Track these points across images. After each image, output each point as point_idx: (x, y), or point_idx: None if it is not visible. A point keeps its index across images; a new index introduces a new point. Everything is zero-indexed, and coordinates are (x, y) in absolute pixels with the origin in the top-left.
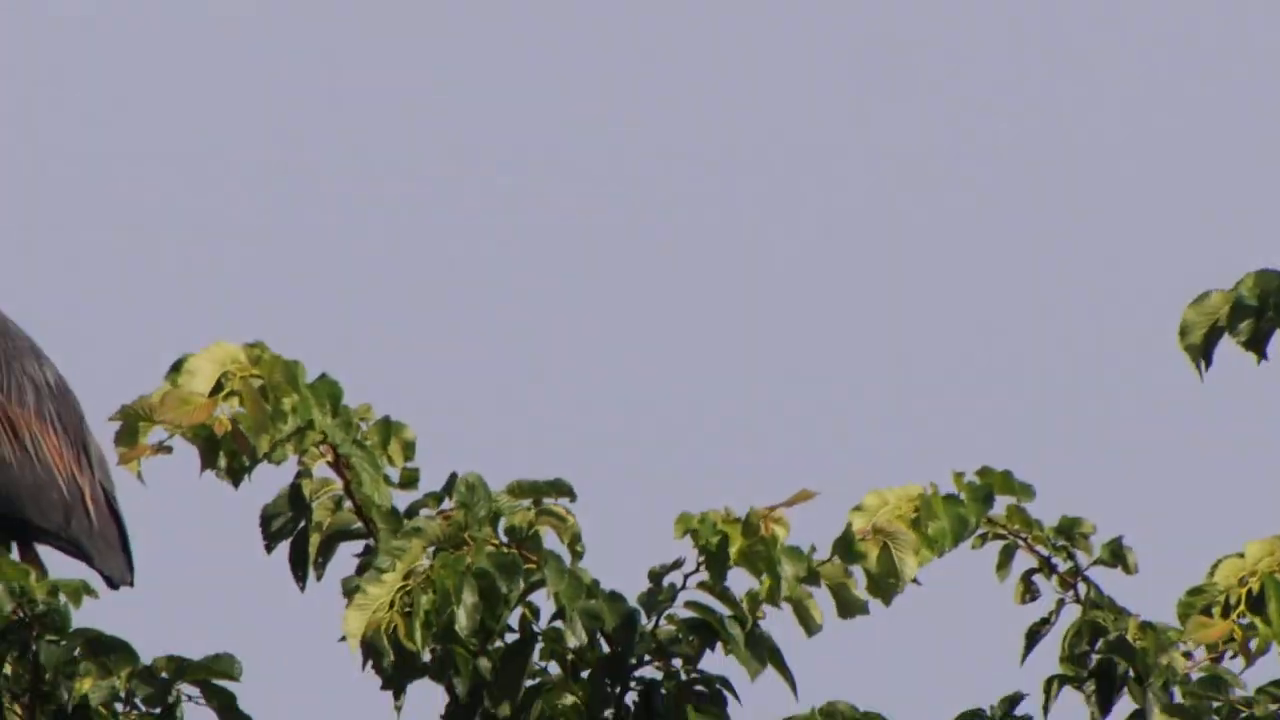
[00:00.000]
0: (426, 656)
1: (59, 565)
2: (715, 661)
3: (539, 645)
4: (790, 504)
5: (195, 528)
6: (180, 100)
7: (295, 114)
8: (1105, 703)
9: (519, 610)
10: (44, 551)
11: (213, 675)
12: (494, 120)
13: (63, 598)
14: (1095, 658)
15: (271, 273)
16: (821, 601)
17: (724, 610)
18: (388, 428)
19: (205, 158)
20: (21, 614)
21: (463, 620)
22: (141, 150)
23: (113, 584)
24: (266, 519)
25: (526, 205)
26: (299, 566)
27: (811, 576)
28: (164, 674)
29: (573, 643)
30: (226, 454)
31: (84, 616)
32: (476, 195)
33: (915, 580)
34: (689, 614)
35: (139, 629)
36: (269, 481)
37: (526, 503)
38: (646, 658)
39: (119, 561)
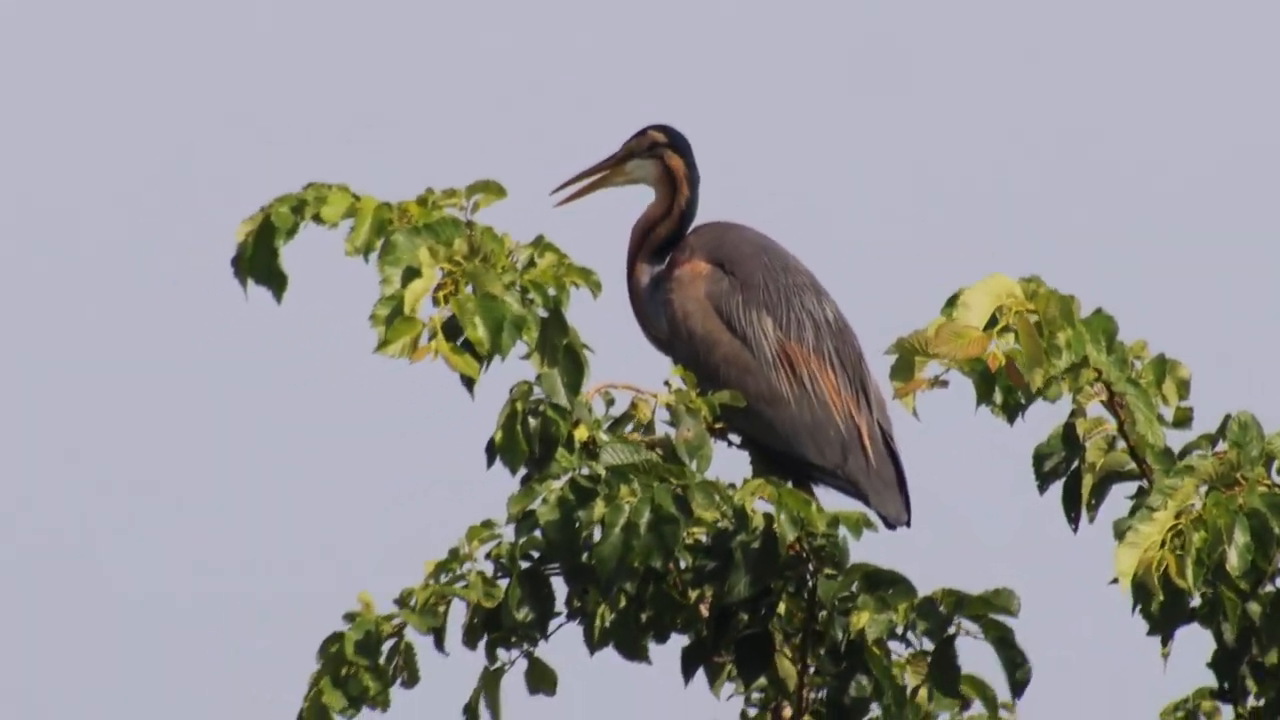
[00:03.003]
0: (1196, 600)
1: (834, 504)
2: None
3: None
4: None
5: (966, 464)
6: None
7: None
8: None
9: None
10: (820, 491)
11: (992, 610)
12: None
13: (843, 530)
14: None
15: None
16: None
17: None
18: (1163, 365)
19: None
20: (801, 547)
21: (1233, 560)
22: None
23: (890, 524)
24: (1039, 458)
25: None
26: (1072, 507)
27: None
28: (943, 607)
29: None
30: (1001, 390)
31: (859, 551)
32: None
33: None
34: None
35: (909, 565)
36: (1041, 419)
37: None
38: None
39: (896, 501)
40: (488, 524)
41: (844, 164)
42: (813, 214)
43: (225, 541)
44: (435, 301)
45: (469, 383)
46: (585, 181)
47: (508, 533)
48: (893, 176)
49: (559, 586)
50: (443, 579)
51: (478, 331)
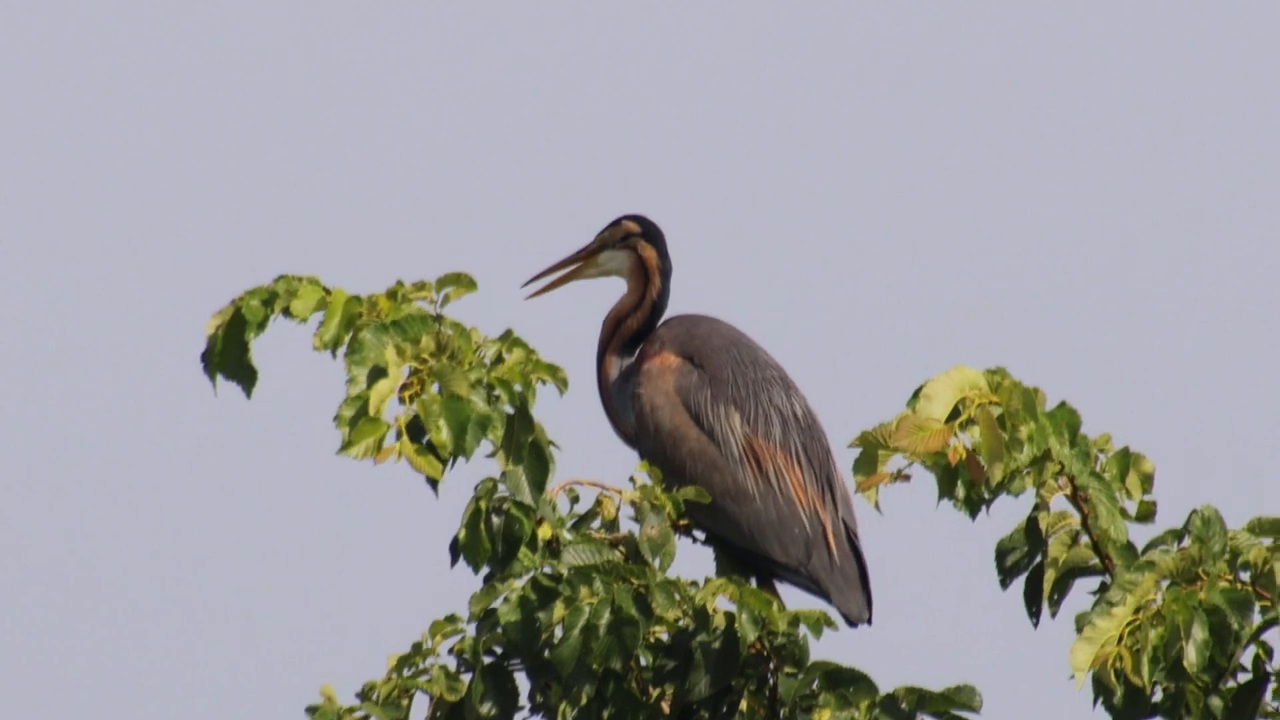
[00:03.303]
0: (1158, 694)
1: (795, 601)
2: None
3: (1271, 685)
4: None
5: (929, 559)
6: None
7: None
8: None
9: (1251, 648)
10: (782, 589)
11: (954, 706)
12: None
13: (803, 628)
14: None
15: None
16: None
17: None
18: (1126, 459)
19: None
20: (762, 646)
21: (1192, 656)
22: None
23: (851, 622)
24: (1001, 553)
25: None
26: (1033, 602)
27: None
28: (904, 704)
29: None
30: (964, 484)
31: (820, 649)
32: None
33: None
34: None
35: (869, 661)
36: (1005, 513)
37: (1267, 540)
38: None
39: (858, 599)
40: (451, 619)
41: (818, 255)
42: (788, 305)
43: (186, 634)
44: (401, 400)
45: (433, 483)
46: (558, 274)
47: (471, 628)
48: (867, 266)
49: (522, 681)
50: (406, 672)
51: (441, 434)
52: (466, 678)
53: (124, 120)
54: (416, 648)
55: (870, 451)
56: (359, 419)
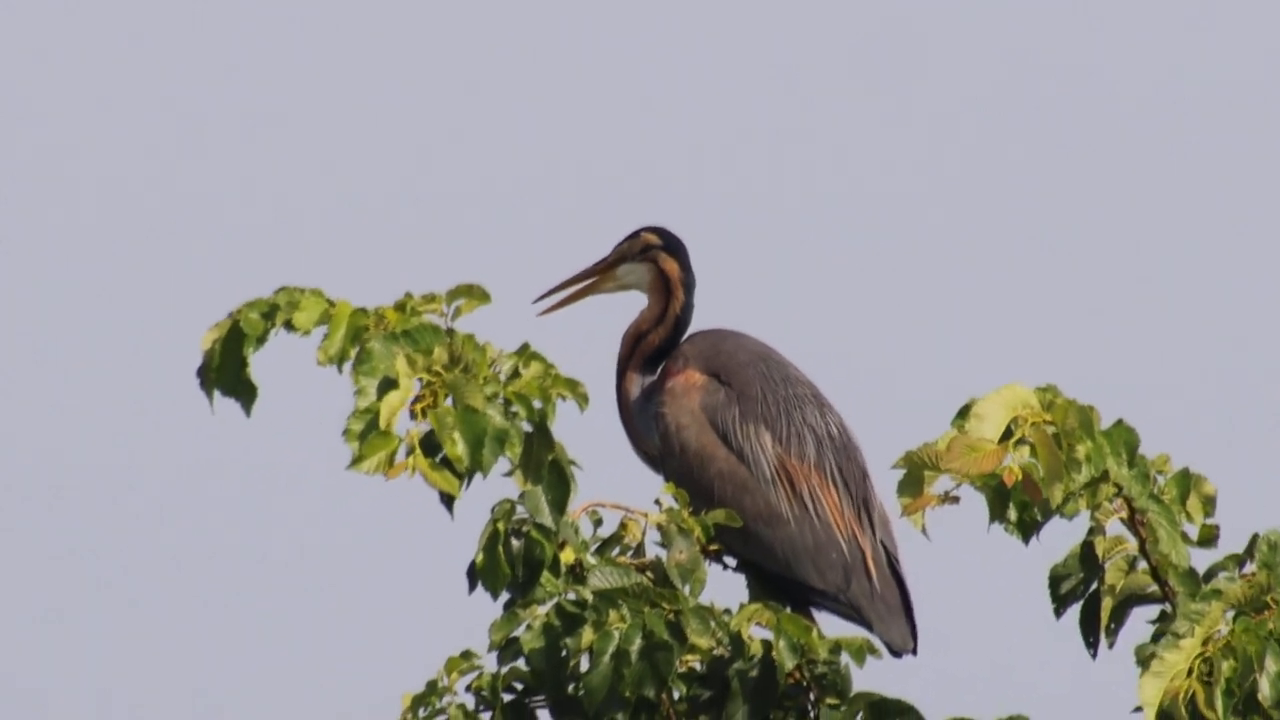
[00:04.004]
0: None
1: (835, 630)
2: None
3: None
4: None
5: (974, 585)
6: None
7: None
8: None
9: None
10: (820, 616)
11: None
12: None
13: (845, 657)
14: None
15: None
16: None
17: None
18: (1186, 480)
19: None
20: (801, 676)
21: (1266, 690)
22: None
23: (895, 651)
24: (1055, 580)
25: None
26: (1090, 631)
27: None
28: None
29: None
30: (1016, 506)
31: (863, 679)
32: None
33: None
34: None
35: (915, 693)
36: (1055, 538)
37: None
38: None
39: (901, 627)
40: (467, 655)
41: (849, 264)
42: (815, 322)
43: (189, 671)
44: (413, 414)
45: (448, 501)
46: (573, 289)
47: (489, 663)
48: (900, 282)
49: None
50: (421, 713)
51: (457, 448)
52: (485, 717)
53: (122, 125)
54: (431, 686)
55: (915, 473)
56: (369, 433)
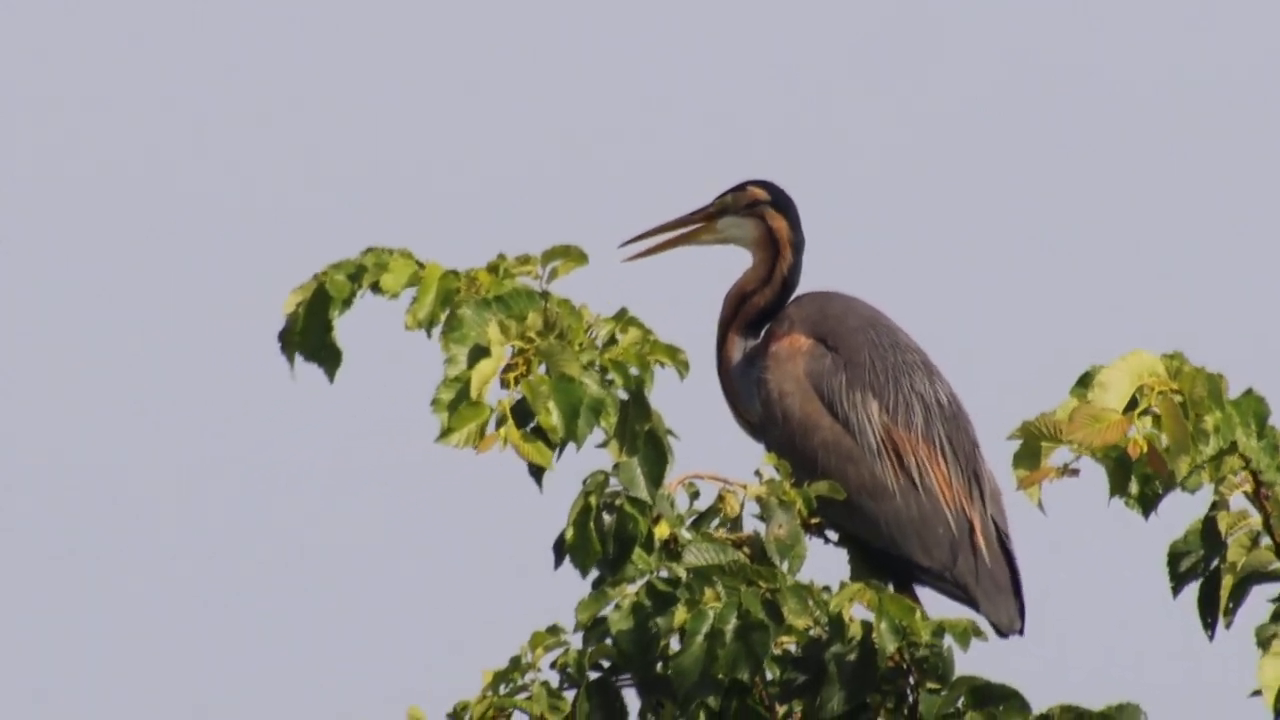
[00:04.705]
0: None
1: (939, 608)
2: None
3: None
4: None
5: (1086, 562)
6: None
7: None
8: None
9: None
10: (923, 594)
11: None
12: None
13: (948, 639)
14: None
15: None
16: None
17: None
18: None
19: None
20: (902, 659)
21: None
22: None
23: (1001, 632)
24: (1174, 557)
25: None
26: (1208, 611)
27: None
28: None
29: None
30: (1138, 479)
31: (966, 662)
32: None
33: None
34: None
35: (1021, 677)
36: (1168, 514)
37: None
38: None
39: (1009, 606)
40: (553, 630)
41: (961, 235)
42: (926, 288)
43: (267, 645)
44: (504, 383)
45: (538, 473)
46: (665, 236)
47: (575, 639)
48: (1009, 250)
49: (631, 699)
50: (502, 690)
51: (551, 418)
52: (570, 695)
53: (122, 125)
54: (515, 662)
55: (1033, 444)
56: (459, 403)
